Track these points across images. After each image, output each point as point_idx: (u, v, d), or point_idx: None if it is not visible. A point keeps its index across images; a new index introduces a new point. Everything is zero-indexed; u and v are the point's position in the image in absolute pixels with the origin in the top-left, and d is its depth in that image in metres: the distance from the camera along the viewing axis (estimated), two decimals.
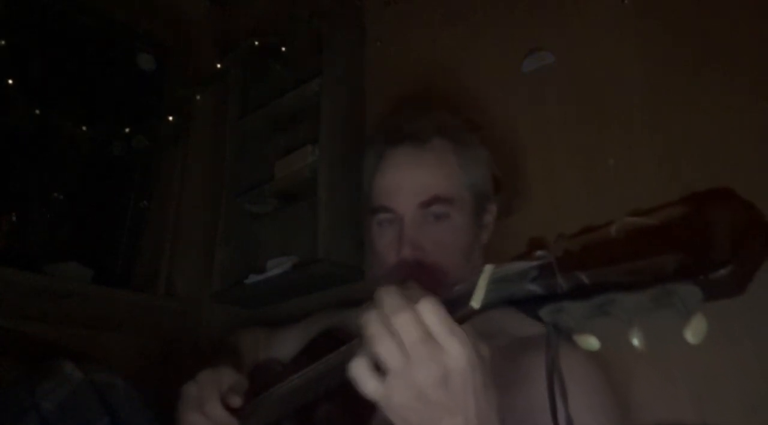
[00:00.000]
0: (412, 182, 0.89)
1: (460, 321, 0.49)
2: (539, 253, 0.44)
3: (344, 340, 0.62)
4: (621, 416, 0.79)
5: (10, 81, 1.67)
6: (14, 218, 1.67)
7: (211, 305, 1.70)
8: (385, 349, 0.48)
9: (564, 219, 1.11)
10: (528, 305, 0.44)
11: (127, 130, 1.85)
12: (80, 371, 0.94)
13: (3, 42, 1.67)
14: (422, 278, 0.84)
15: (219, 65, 1.84)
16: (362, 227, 0.97)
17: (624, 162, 1.08)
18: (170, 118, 1.87)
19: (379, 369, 0.50)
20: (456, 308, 0.49)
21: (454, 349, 0.47)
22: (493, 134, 1.23)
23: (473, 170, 0.91)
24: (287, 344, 1.06)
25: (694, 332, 0.37)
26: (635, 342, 0.39)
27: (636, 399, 0.93)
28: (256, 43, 1.72)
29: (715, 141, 0.99)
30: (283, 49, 1.70)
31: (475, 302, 0.48)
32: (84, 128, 1.82)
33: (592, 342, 0.42)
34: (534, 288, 0.43)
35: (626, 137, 1.09)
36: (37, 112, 1.73)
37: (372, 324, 0.49)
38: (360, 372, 0.50)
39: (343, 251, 1.37)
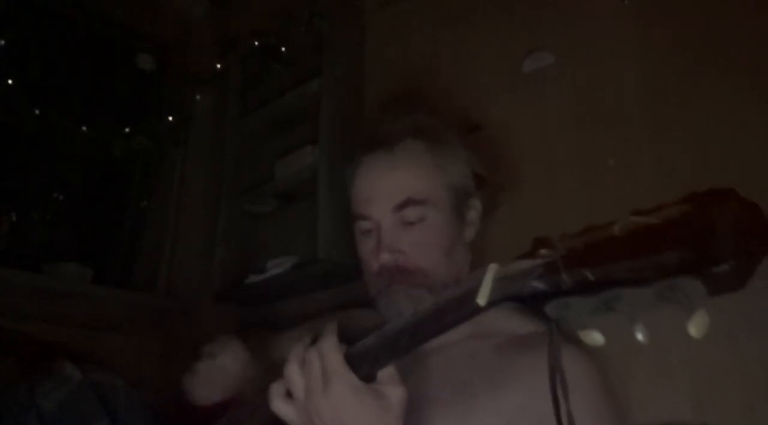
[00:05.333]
0: (384, 187, 0.88)
1: (466, 318, 0.51)
2: (543, 251, 0.44)
3: (348, 343, 0.63)
4: (619, 415, 0.79)
5: (10, 81, 1.67)
6: (14, 218, 1.68)
7: (211, 305, 1.70)
8: (293, 383, 0.62)
9: (564, 219, 1.11)
10: (533, 301, 0.45)
11: (127, 130, 1.85)
12: (80, 371, 0.94)
13: (3, 42, 1.67)
14: (404, 281, 0.84)
15: (219, 65, 1.84)
16: None
17: (624, 162, 1.08)
18: (170, 118, 1.87)
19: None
20: (462, 305, 0.51)
21: (335, 386, 0.59)
22: (492, 134, 1.23)
23: (450, 167, 0.90)
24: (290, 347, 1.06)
25: (696, 326, 0.39)
26: (639, 336, 0.40)
27: (634, 397, 0.93)
28: (256, 43, 1.72)
29: (715, 141, 0.99)
30: (283, 49, 1.70)
31: (481, 300, 0.48)
32: (84, 128, 1.83)
33: (596, 338, 0.43)
34: (539, 285, 0.44)
35: (626, 136, 1.09)
36: (37, 112, 1.73)
37: (288, 362, 0.63)
38: (275, 398, 0.64)
39: (343, 251, 1.36)
